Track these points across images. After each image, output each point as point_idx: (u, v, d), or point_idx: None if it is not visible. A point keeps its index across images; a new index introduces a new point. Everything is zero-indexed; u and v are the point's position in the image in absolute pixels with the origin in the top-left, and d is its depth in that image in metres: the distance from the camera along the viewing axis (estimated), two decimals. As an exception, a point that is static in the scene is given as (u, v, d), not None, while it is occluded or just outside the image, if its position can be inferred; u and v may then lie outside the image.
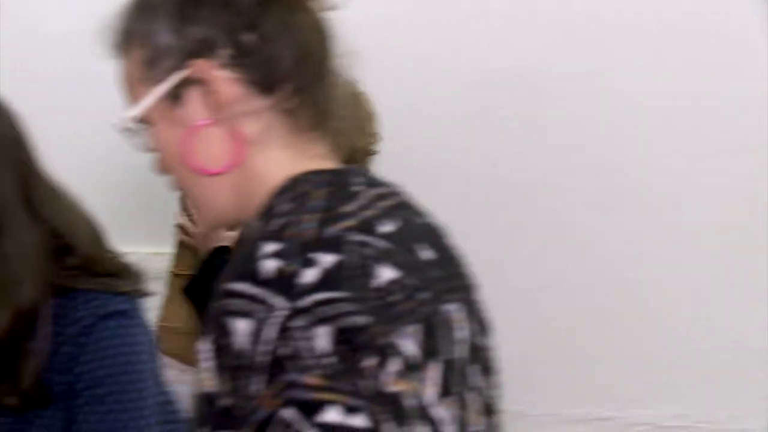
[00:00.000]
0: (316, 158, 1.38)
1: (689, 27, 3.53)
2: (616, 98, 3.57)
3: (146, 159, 1.46)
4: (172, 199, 1.47)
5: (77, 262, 1.80)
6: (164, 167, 1.42)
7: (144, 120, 1.39)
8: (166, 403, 1.93)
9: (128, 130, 1.40)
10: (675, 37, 3.54)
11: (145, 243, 3.52)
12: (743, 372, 3.62)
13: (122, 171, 3.62)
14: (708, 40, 3.52)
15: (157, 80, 1.36)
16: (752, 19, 3.46)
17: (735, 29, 3.50)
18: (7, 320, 1.73)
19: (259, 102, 1.36)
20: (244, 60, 1.35)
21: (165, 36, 1.36)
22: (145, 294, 1.84)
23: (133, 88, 1.39)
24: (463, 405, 1.30)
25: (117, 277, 1.81)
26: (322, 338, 1.18)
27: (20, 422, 1.79)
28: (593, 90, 3.58)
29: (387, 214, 1.33)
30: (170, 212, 2.91)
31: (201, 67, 1.35)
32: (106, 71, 1.51)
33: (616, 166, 3.63)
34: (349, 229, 1.27)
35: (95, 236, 1.85)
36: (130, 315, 1.79)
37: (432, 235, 1.40)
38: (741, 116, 3.54)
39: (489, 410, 1.39)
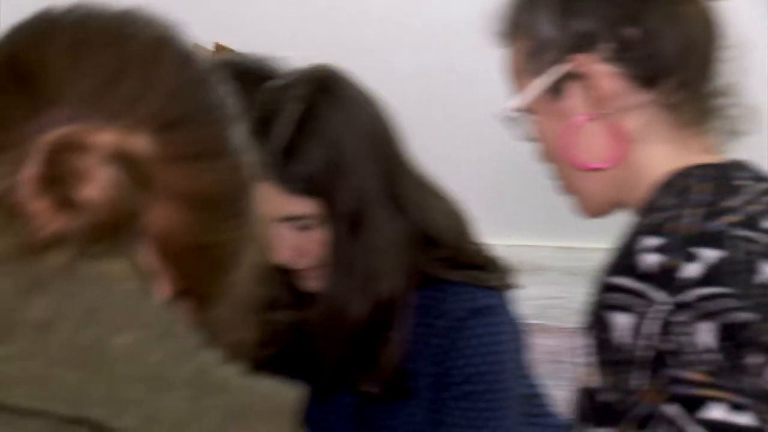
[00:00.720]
0: (700, 153, 1.41)
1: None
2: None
3: (521, 150, 1.51)
4: (547, 190, 1.52)
5: (444, 253, 1.88)
6: (545, 157, 1.47)
7: (526, 110, 1.44)
8: (533, 396, 1.98)
9: (510, 119, 1.46)
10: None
11: (519, 234, 3.61)
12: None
13: (495, 161, 3.71)
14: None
15: (539, 72, 1.42)
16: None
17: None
18: (368, 310, 1.83)
19: (641, 97, 1.40)
20: (626, 54, 1.39)
21: (548, 29, 1.41)
22: (513, 287, 1.89)
23: (517, 78, 1.46)
24: None
25: (485, 270, 1.87)
26: (706, 334, 1.20)
27: (384, 411, 1.88)
28: None
29: None
30: (545, 203, 2.98)
31: (582, 61, 1.40)
32: (491, 62, 1.57)
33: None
34: (733, 224, 1.29)
35: (460, 228, 1.91)
36: (498, 311, 1.86)
37: None
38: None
39: None
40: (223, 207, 0.93)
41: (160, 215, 0.89)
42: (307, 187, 1.78)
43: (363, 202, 1.81)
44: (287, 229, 1.81)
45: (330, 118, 1.80)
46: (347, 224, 1.81)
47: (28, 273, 0.85)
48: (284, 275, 1.85)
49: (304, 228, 1.81)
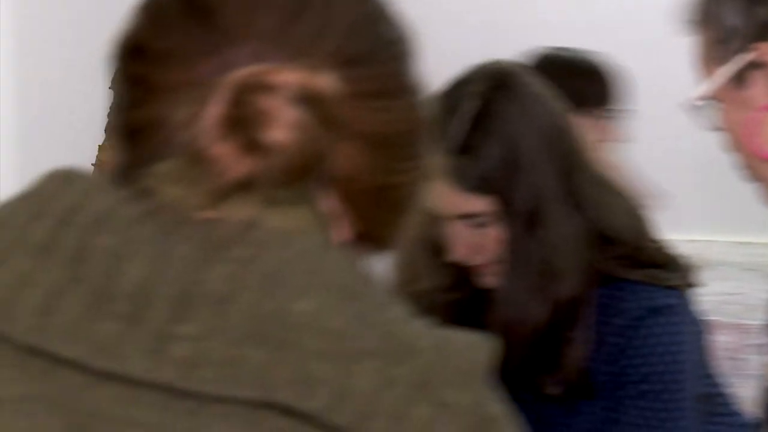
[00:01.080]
0: None
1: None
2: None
3: (698, 144, 1.50)
4: (725, 185, 1.50)
5: (622, 252, 1.87)
6: (729, 147, 1.46)
7: (711, 99, 1.44)
8: (716, 395, 1.95)
9: (696, 108, 1.45)
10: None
11: (696, 230, 3.57)
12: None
13: (672, 157, 3.68)
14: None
15: (724, 61, 1.42)
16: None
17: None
18: (548, 310, 1.83)
19: None
20: None
21: (734, 17, 1.42)
22: (694, 286, 1.87)
23: (705, 67, 1.47)
24: None
25: (664, 269, 1.86)
26: None
27: (565, 411, 1.88)
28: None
29: None
30: (723, 198, 2.94)
31: (765, 50, 1.38)
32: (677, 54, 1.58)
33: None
34: None
35: (639, 226, 1.90)
36: (678, 310, 1.85)
37: None
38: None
39: None
40: (400, 147, 0.90)
41: (343, 156, 0.86)
42: (483, 184, 1.79)
43: (540, 199, 1.81)
44: (463, 226, 1.82)
45: (506, 114, 1.80)
46: (524, 222, 1.81)
47: (208, 236, 0.82)
48: (461, 271, 1.86)
49: (480, 225, 1.82)
